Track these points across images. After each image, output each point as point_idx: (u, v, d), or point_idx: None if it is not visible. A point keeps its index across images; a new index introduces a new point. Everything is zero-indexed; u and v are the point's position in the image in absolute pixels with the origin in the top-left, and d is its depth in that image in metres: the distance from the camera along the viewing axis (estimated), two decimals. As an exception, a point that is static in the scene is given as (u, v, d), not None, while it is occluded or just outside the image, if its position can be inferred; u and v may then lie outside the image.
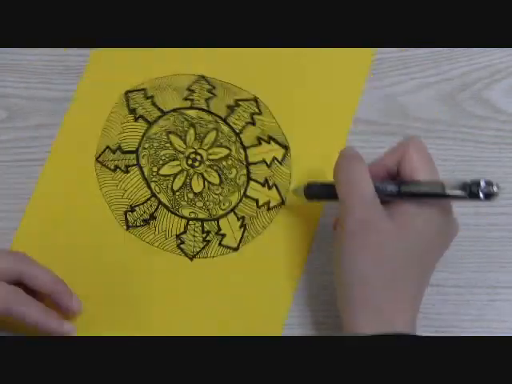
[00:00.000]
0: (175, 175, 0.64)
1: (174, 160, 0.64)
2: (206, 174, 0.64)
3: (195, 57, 0.66)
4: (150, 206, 0.63)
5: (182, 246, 0.63)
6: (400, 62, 0.67)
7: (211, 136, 0.64)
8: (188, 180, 0.64)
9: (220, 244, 0.63)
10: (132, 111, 0.65)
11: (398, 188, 0.55)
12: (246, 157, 0.64)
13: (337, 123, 0.65)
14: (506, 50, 0.67)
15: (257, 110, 0.65)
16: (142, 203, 0.63)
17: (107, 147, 0.64)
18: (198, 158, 0.64)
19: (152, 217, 0.63)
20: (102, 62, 0.66)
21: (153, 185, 0.64)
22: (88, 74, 0.66)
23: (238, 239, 0.63)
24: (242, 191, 0.64)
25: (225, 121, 0.65)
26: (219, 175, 0.64)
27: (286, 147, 0.64)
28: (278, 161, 0.64)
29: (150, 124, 0.65)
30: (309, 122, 0.65)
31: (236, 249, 0.63)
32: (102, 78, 0.66)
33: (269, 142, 0.65)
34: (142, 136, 0.64)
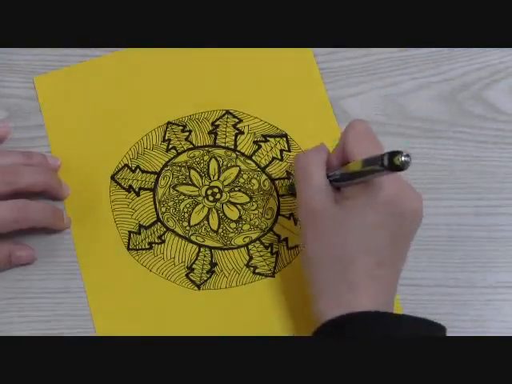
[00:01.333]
0: (207, 217, 0.63)
1: (196, 205, 0.63)
2: (233, 199, 0.64)
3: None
4: (204, 256, 0.63)
5: (257, 271, 0.62)
6: (400, 62, 0.67)
7: (213, 165, 0.64)
8: (221, 214, 0.63)
9: (288, 248, 0.63)
10: (129, 189, 0.64)
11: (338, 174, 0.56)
12: (256, 163, 0.64)
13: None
14: (505, 50, 0.67)
15: (236, 120, 0.65)
16: (196, 259, 0.62)
17: (130, 232, 0.63)
18: (216, 190, 0.64)
19: (213, 264, 0.62)
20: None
21: (193, 237, 0.63)
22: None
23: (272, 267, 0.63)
24: (274, 194, 0.64)
25: (215, 146, 0.65)
26: (244, 193, 0.64)
27: None
28: None
29: (153, 190, 0.64)
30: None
31: (272, 275, 0.62)
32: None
33: (266, 141, 0.65)
34: (154, 204, 0.63)
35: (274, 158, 0.65)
